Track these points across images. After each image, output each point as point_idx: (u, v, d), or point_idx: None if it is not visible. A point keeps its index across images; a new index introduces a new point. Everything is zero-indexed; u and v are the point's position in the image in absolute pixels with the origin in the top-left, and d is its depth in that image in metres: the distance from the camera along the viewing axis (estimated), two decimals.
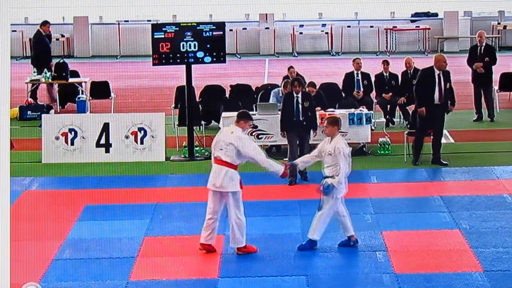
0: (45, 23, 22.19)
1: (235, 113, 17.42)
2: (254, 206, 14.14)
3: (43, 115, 17.66)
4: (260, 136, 17.24)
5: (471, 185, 15.31)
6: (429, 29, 28.44)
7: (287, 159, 15.56)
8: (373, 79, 18.97)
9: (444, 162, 16.43)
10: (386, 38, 28.23)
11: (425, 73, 16.57)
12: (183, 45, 17.08)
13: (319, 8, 27.84)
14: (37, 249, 11.50)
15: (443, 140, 16.83)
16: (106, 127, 17.20)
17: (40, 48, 22.05)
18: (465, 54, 21.13)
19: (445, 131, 17.01)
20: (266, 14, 27.64)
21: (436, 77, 16.22)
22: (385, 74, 19.05)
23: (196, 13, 25.09)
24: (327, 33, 28.26)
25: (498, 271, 11.52)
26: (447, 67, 16.36)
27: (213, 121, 18.58)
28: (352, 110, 17.35)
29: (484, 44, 19.73)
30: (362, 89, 18.68)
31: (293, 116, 15.96)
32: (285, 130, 16.00)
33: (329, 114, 17.19)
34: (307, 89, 17.24)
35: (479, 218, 13.74)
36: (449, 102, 16.50)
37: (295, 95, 15.89)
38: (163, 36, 17.11)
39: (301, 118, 15.91)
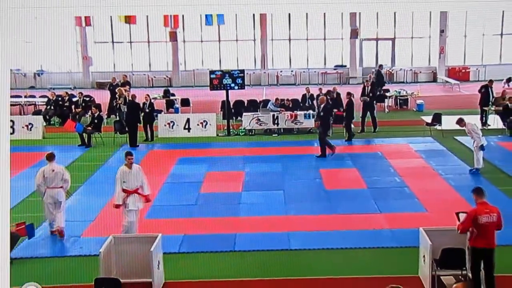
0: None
1: (250, 113, 17.47)
2: (256, 158, 14.14)
3: (158, 114, 17.58)
4: (261, 124, 17.18)
5: (363, 148, 15.14)
6: (342, 72, 28.16)
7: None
8: (315, 96, 18.79)
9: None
10: (322, 77, 27.97)
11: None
12: (224, 80, 17.01)
13: (290, 62, 28.06)
14: (155, 179, 11.48)
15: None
16: (188, 120, 17.10)
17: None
18: (361, 85, 20.83)
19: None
20: (265, 65, 27.58)
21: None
22: (321, 94, 18.82)
23: (231, 65, 25.38)
24: (293, 74, 28.02)
25: (375, 188, 11.54)
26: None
27: (239, 117, 18.47)
28: (305, 112, 17.26)
29: (370, 81, 18.88)
30: (310, 103, 18.50)
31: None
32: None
33: (294, 115, 17.14)
34: (290, 103, 17.28)
35: (368, 163, 13.67)
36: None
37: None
38: (214, 76, 17.04)
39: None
